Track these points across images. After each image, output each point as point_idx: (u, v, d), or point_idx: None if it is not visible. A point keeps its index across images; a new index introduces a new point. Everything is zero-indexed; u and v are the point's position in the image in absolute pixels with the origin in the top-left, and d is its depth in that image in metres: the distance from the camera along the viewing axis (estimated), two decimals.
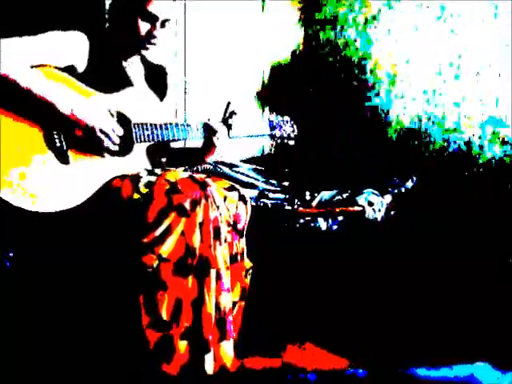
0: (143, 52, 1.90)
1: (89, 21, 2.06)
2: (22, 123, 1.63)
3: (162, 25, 1.84)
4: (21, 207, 1.59)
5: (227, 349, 1.70)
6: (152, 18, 1.81)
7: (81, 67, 1.78)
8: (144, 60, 2.03)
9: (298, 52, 3.60)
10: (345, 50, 3.42)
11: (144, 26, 1.82)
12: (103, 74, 1.82)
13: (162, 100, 2.04)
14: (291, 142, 2.28)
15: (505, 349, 1.96)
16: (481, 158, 2.95)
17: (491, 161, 2.92)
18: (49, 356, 1.70)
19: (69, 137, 1.69)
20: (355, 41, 3.37)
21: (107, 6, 1.90)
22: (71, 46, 1.76)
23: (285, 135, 2.25)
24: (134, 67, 1.97)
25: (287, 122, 2.26)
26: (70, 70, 1.75)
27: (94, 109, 1.71)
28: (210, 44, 3.19)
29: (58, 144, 1.68)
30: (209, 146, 2.02)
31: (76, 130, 1.69)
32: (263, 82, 3.52)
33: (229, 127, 2.04)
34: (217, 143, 2.00)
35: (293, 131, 2.27)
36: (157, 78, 2.06)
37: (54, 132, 1.68)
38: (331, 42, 3.47)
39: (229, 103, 2.07)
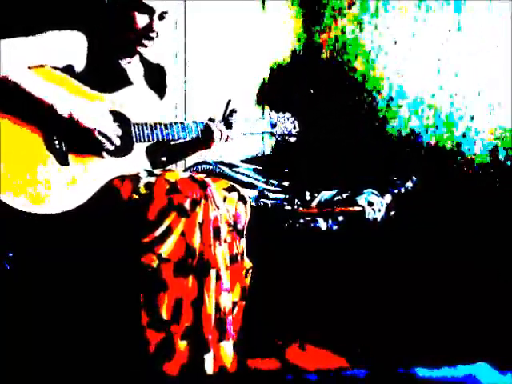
0: (142, 48, 1.86)
1: (87, 20, 2.05)
2: (20, 125, 1.62)
3: (161, 17, 1.81)
4: (21, 209, 1.58)
5: (227, 349, 1.70)
6: (149, 11, 1.78)
7: (79, 67, 1.77)
8: (143, 59, 2.01)
9: (297, 52, 3.60)
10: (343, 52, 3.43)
11: (141, 19, 1.79)
12: (102, 74, 1.81)
13: (161, 99, 2.03)
14: (292, 139, 2.25)
15: (505, 349, 1.96)
16: (480, 158, 2.95)
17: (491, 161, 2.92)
18: (49, 356, 1.70)
19: (68, 139, 1.69)
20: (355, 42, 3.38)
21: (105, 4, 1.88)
22: (69, 46, 1.75)
23: (286, 132, 2.23)
24: (133, 66, 1.96)
25: (288, 118, 2.23)
26: (67, 69, 1.74)
27: (92, 110, 1.70)
28: (210, 44, 3.18)
29: (58, 146, 1.67)
30: (208, 143, 2.01)
31: (75, 131, 1.68)
32: (263, 81, 3.52)
33: (229, 125, 2.04)
34: (216, 141, 1.98)
35: (294, 127, 2.24)
36: (156, 78, 2.06)
37: (54, 134, 1.67)
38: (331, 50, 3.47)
39: (229, 101, 2.05)
